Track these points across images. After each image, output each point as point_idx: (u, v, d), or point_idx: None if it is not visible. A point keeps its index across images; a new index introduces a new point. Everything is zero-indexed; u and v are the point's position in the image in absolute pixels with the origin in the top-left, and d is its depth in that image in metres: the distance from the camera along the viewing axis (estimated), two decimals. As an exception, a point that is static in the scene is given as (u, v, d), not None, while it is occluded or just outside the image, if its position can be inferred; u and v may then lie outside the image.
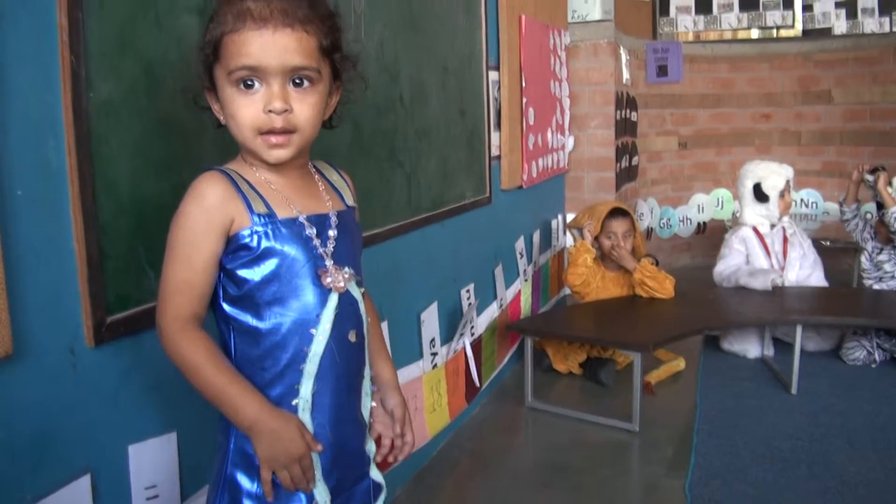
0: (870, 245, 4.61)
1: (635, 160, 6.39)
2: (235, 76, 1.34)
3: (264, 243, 1.37)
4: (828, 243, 5.37)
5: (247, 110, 1.35)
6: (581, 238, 4.33)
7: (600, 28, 5.39)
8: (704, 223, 7.00)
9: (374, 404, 1.63)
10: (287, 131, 1.37)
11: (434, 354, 3.11)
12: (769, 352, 4.39)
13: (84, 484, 1.49)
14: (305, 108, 1.38)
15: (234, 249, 1.37)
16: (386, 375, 1.70)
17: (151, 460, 1.65)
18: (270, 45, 1.32)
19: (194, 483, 1.75)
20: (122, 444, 1.60)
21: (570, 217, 4.68)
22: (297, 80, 1.37)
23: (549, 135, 4.77)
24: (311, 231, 1.42)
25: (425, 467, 3.13)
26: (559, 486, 3.02)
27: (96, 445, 1.54)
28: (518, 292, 4.27)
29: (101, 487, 1.54)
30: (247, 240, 1.37)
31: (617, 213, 4.32)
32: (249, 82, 1.34)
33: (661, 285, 4.18)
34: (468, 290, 3.49)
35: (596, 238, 4.32)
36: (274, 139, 1.37)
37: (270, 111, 1.34)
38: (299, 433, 1.37)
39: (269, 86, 1.34)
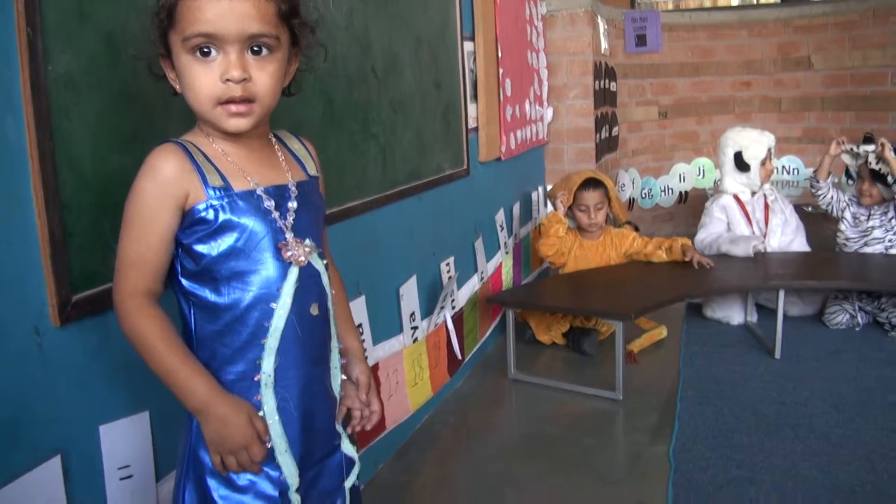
0: (850, 212, 4.57)
1: (615, 131, 6.37)
2: (191, 43, 1.30)
3: (221, 217, 1.34)
4: (810, 209, 5.37)
5: (204, 79, 1.31)
6: (553, 209, 4.32)
7: (577, -3, 5.35)
8: (686, 192, 6.99)
9: (344, 377, 1.60)
10: (246, 100, 1.34)
11: (414, 328, 3.09)
12: (752, 318, 4.39)
13: (55, 465, 1.47)
14: (264, 76, 1.34)
15: (189, 224, 1.34)
16: (351, 346, 1.67)
17: (124, 440, 1.63)
18: (228, 12, 1.28)
19: (168, 462, 1.72)
20: (93, 424, 1.58)
21: (549, 188, 4.66)
22: (256, 48, 1.33)
23: (528, 106, 4.74)
24: (269, 203, 1.39)
25: (408, 442, 3.11)
26: (544, 457, 3.01)
27: (66, 426, 1.51)
28: (499, 265, 4.26)
29: (72, 468, 1.51)
30: (203, 213, 1.34)
31: (589, 184, 4.30)
32: (206, 49, 1.30)
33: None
34: (448, 264, 3.47)
35: (570, 209, 4.31)
36: (234, 107, 1.33)
37: (228, 80, 1.31)
38: (248, 421, 1.35)
39: (227, 54, 1.31)
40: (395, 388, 2.89)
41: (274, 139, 1.52)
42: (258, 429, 1.37)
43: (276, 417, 1.41)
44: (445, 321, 3.35)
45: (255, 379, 1.39)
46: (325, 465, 1.52)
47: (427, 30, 3.27)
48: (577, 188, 4.26)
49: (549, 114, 5.35)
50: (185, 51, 1.31)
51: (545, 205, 5.23)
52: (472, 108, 3.85)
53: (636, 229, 4.35)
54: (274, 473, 1.42)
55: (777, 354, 3.84)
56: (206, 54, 1.31)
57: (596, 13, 5.62)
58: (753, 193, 4.62)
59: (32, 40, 1.41)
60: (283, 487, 1.43)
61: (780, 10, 6.93)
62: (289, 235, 1.40)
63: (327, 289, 1.50)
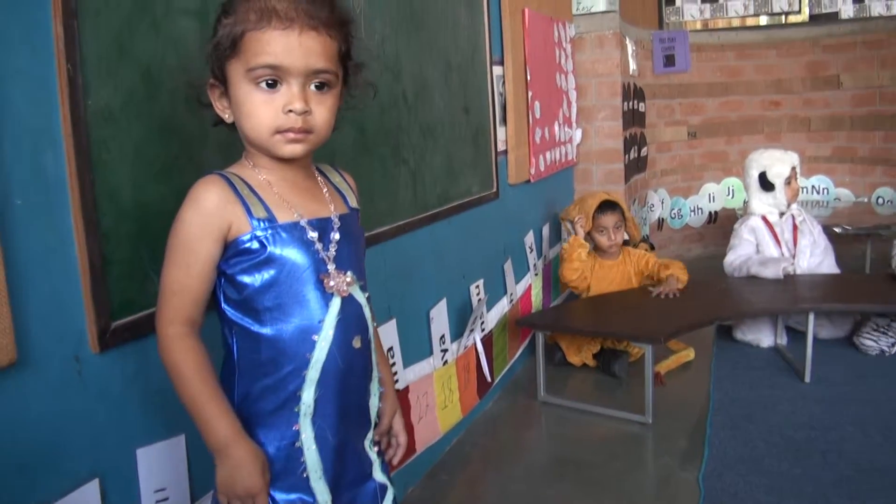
0: None
1: (644, 151, 6.37)
2: (256, 74, 1.34)
3: (265, 248, 1.37)
4: (839, 230, 5.34)
5: (265, 108, 1.35)
6: (573, 233, 4.33)
7: (605, 19, 5.37)
8: (715, 212, 6.97)
9: (380, 405, 1.63)
10: (305, 132, 1.37)
11: (444, 351, 3.11)
12: (782, 341, 4.37)
13: (92, 489, 1.50)
14: (324, 110, 1.39)
15: (233, 254, 1.38)
16: (384, 378, 1.68)
17: (160, 463, 1.66)
18: (296, 46, 1.32)
19: (204, 485, 1.75)
20: (130, 448, 1.60)
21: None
22: (318, 84, 1.37)
23: (557, 128, 4.76)
24: (312, 235, 1.42)
25: (437, 464, 3.12)
26: (572, 480, 3.01)
27: (104, 450, 1.54)
28: (528, 286, 4.27)
29: (109, 492, 1.54)
30: (247, 244, 1.37)
31: (606, 206, 4.32)
32: (271, 81, 1.34)
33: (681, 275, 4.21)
34: (477, 286, 3.48)
35: (588, 233, 4.33)
36: (290, 135, 1.37)
37: (290, 111, 1.35)
38: (261, 470, 1.37)
39: (290, 86, 1.35)
40: (424, 411, 2.91)
41: (316, 172, 1.55)
42: (268, 482, 1.39)
43: (314, 447, 1.44)
44: (475, 343, 3.36)
45: (295, 410, 1.42)
46: (359, 491, 1.54)
47: (456, 55, 3.31)
48: (595, 213, 4.28)
49: (577, 135, 5.36)
50: (248, 80, 1.35)
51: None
52: (501, 131, 3.87)
53: (651, 248, 4.35)
54: (308, 500, 1.44)
55: (807, 378, 3.82)
56: (271, 86, 1.34)
57: (624, 35, 5.63)
58: (782, 214, 4.60)
59: (72, 76, 1.44)
60: None
61: (808, 30, 6.92)
62: (331, 267, 1.43)
63: (369, 322, 1.52)
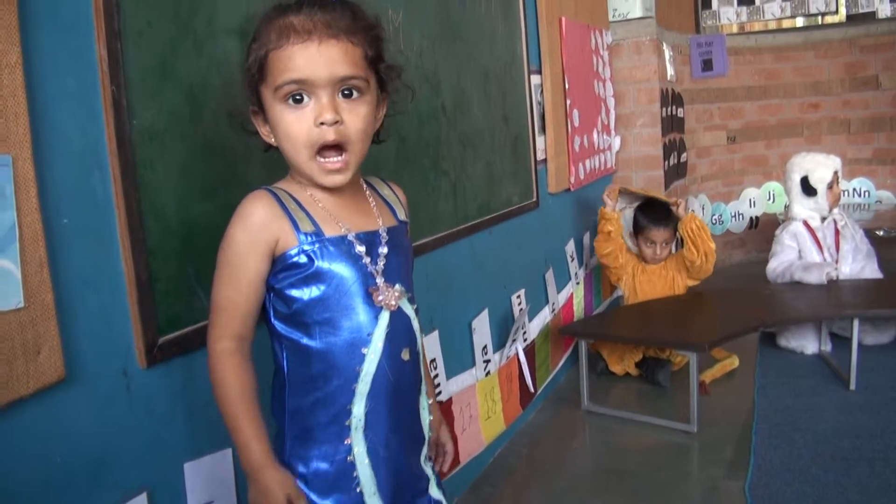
0: None
1: (684, 157, 6.33)
2: (283, 91, 1.34)
3: (313, 262, 1.38)
4: (882, 232, 5.27)
5: (297, 126, 1.35)
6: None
7: (642, 25, 5.35)
8: (757, 217, 6.91)
9: (431, 417, 1.63)
10: (339, 146, 1.37)
11: (487, 362, 3.10)
12: (826, 347, 4.32)
13: (141, 502, 1.51)
14: (356, 118, 1.38)
15: (281, 269, 1.39)
16: (428, 392, 1.68)
17: (207, 477, 1.67)
18: (317, 58, 1.32)
19: (251, 499, 1.77)
20: (178, 461, 1.62)
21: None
22: (346, 91, 1.36)
23: (595, 136, 4.74)
24: (360, 249, 1.42)
25: (482, 475, 3.12)
26: (617, 490, 2.99)
27: (152, 464, 1.56)
28: (570, 296, 4.26)
29: (158, 505, 1.56)
30: (295, 258, 1.38)
31: (660, 221, 4.25)
32: (298, 97, 1.34)
33: (702, 238, 4.11)
34: (519, 296, 3.48)
35: (637, 241, 4.32)
36: (330, 165, 1.37)
37: (322, 123, 1.34)
38: (284, 499, 1.37)
39: (318, 98, 1.34)
40: (468, 422, 2.91)
41: (365, 185, 1.55)
42: None
43: (366, 461, 1.44)
44: (517, 354, 3.36)
45: (346, 423, 1.42)
46: None
47: (494, 65, 3.31)
48: (648, 224, 4.26)
49: (616, 142, 5.34)
50: (278, 100, 1.35)
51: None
52: (540, 140, 3.87)
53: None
54: None
55: (852, 385, 3.77)
56: (299, 101, 1.34)
57: (661, 40, 5.61)
58: (823, 219, 4.56)
59: (117, 97, 1.47)
60: None
61: (845, 30, 6.84)
62: (379, 280, 1.43)
63: (417, 334, 1.52)
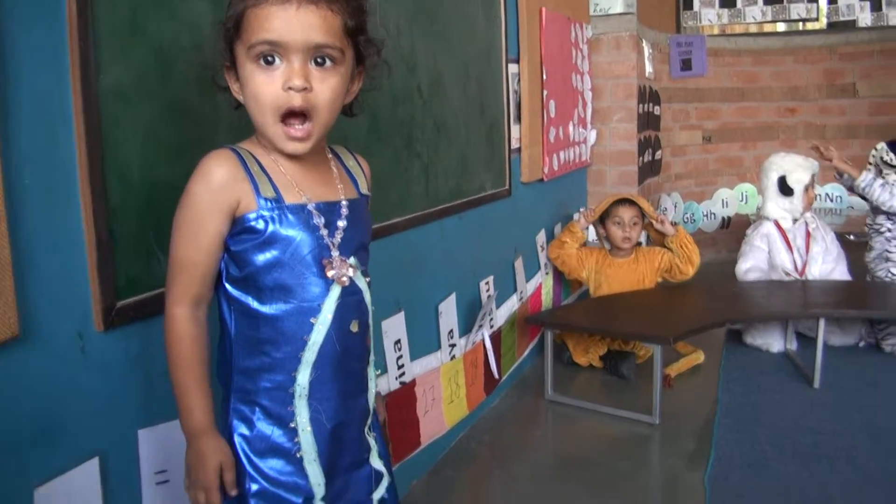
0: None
1: (658, 154, 6.35)
2: (256, 51, 1.32)
3: (270, 228, 1.36)
4: (852, 237, 5.31)
5: (266, 87, 1.33)
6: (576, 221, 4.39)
7: (623, 21, 5.35)
8: (729, 218, 6.94)
9: (378, 390, 1.62)
10: (304, 112, 1.35)
11: (452, 346, 3.10)
12: (792, 346, 4.35)
13: (92, 467, 1.50)
14: (326, 88, 1.36)
15: (238, 231, 1.37)
16: None
17: (161, 444, 1.65)
18: (294, 21, 1.30)
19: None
20: (132, 428, 1.61)
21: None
22: (319, 59, 1.34)
23: (571, 128, 4.74)
24: (319, 220, 1.41)
25: (442, 459, 3.11)
26: (578, 479, 3.00)
27: (106, 429, 1.54)
28: (539, 285, 4.26)
29: (110, 471, 1.54)
30: (252, 223, 1.36)
31: (626, 201, 4.32)
32: (270, 58, 1.32)
33: (694, 252, 4.20)
34: (487, 283, 3.48)
35: (605, 225, 4.33)
36: (293, 132, 1.35)
37: (290, 88, 1.32)
38: (215, 468, 1.38)
39: (290, 62, 1.32)
40: (431, 405, 2.90)
41: (330, 154, 1.54)
42: (226, 480, 1.39)
43: (308, 428, 1.44)
44: (483, 340, 3.35)
45: (290, 391, 1.41)
46: (353, 476, 1.54)
47: (473, 51, 3.30)
48: (614, 204, 4.29)
49: (592, 136, 5.34)
50: (250, 59, 1.33)
51: (586, 227, 5.23)
52: (515, 129, 3.86)
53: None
54: (301, 482, 1.44)
55: (816, 384, 3.80)
56: (270, 63, 1.32)
57: (641, 37, 5.62)
58: (795, 221, 4.59)
59: (85, 53, 1.44)
60: (308, 495, 1.45)
61: (825, 37, 6.89)
62: (334, 253, 1.42)
63: (369, 306, 1.51)
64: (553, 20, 4.29)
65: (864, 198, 4.56)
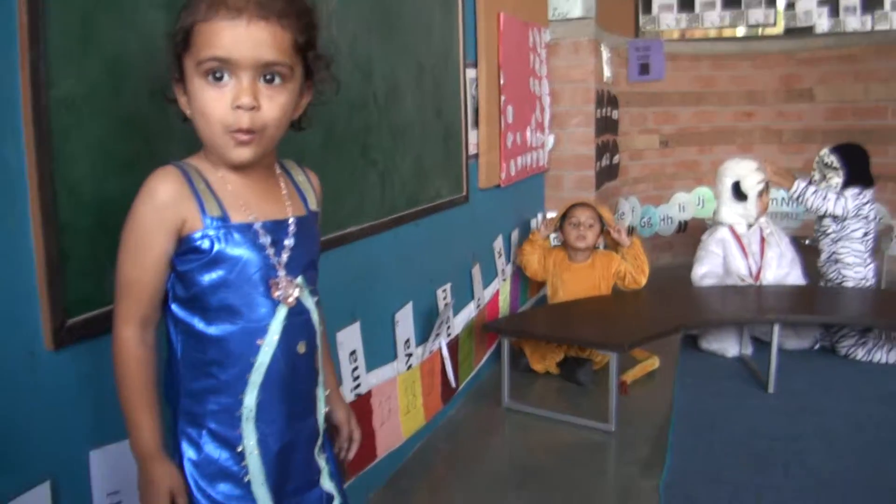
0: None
1: (616, 158, 6.37)
2: (204, 67, 1.29)
3: (216, 247, 1.34)
4: (807, 241, 5.36)
5: (214, 104, 1.31)
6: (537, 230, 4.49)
7: (581, 25, 5.35)
8: (685, 222, 6.98)
9: (327, 409, 1.60)
10: (251, 132, 1.33)
11: (409, 355, 3.08)
12: (747, 351, 4.39)
13: (44, 491, 1.46)
14: (274, 106, 1.33)
15: (184, 251, 1.35)
16: (329, 382, 1.65)
17: (114, 466, 1.62)
18: (243, 38, 1.28)
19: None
20: (84, 449, 1.57)
21: (550, 215, 4.68)
22: (269, 77, 1.32)
23: (529, 133, 4.75)
24: (265, 239, 1.39)
25: (399, 470, 3.10)
26: (534, 487, 3.00)
27: (56, 451, 1.51)
28: (496, 292, 4.25)
29: (61, 494, 1.51)
30: (198, 242, 1.34)
31: (581, 203, 4.41)
32: (219, 75, 1.30)
33: (645, 264, 4.29)
34: (444, 290, 3.47)
35: (561, 227, 4.39)
36: (240, 136, 1.32)
37: (238, 107, 1.30)
38: (166, 494, 1.37)
39: (239, 80, 1.30)
40: (387, 416, 2.89)
41: (279, 169, 1.52)
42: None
43: (256, 452, 1.42)
44: (440, 348, 3.34)
45: (237, 413, 1.40)
46: (304, 498, 1.52)
47: (429, 57, 3.28)
48: (571, 206, 4.36)
49: (550, 141, 5.35)
50: (199, 74, 1.31)
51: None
52: (472, 134, 3.85)
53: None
54: None
55: (771, 388, 3.84)
56: (219, 79, 1.30)
57: (600, 42, 5.63)
58: (749, 226, 4.62)
59: (36, 64, 1.41)
60: None
61: (783, 42, 6.96)
62: (281, 273, 1.40)
63: (316, 327, 1.50)
64: (511, 24, 4.29)
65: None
